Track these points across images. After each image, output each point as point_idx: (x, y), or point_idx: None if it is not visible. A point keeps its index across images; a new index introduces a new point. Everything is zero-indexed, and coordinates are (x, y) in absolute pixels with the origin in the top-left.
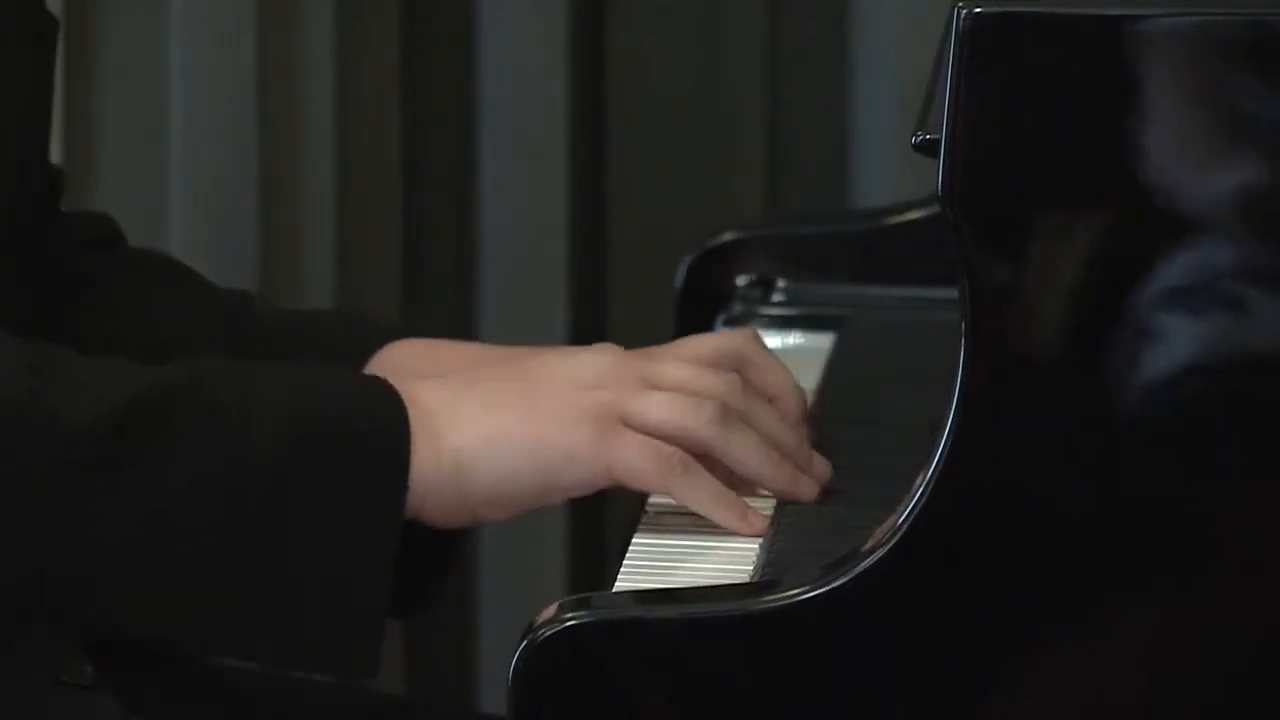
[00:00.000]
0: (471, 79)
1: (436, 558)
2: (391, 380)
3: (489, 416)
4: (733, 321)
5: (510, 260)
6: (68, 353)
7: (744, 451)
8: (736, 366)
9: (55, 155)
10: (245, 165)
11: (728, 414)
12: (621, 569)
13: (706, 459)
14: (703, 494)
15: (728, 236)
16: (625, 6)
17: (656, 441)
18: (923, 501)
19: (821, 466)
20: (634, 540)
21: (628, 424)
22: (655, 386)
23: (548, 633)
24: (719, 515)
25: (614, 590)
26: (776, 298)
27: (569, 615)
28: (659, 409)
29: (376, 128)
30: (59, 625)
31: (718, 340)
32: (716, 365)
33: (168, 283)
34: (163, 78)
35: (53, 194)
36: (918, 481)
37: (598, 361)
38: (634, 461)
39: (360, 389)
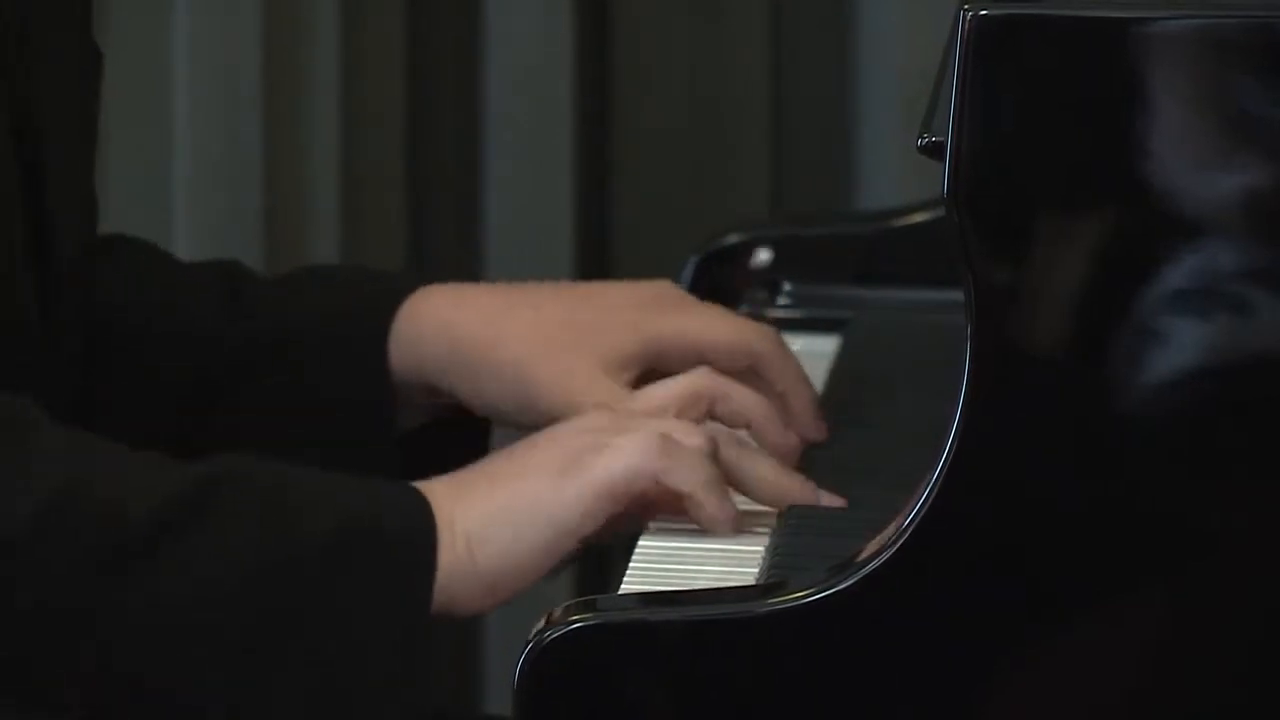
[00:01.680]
0: (476, 80)
1: None
2: (406, 350)
3: (490, 494)
4: None
5: (515, 261)
6: (103, 441)
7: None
8: (748, 362)
9: None
10: (249, 168)
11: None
12: (627, 571)
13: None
14: (689, 474)
15: (733, 238)
16: (630, 7)
17: (636, 437)
18: (929, 503)
19: (834, 501)
20: (640, 542)
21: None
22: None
23: (553, 635)
24: (700, 495)
25: (620, 592)
26: (781, 300)
27: (575, 617)
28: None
29: (381, 129)
30: (87, 709)
31: (732, 332)
32: (729, 355)
33: (148, 262)
34: (167, 81)
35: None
36: (923, 483)
37: (586, 419)
38: (621, 462)
39: (389, 493)
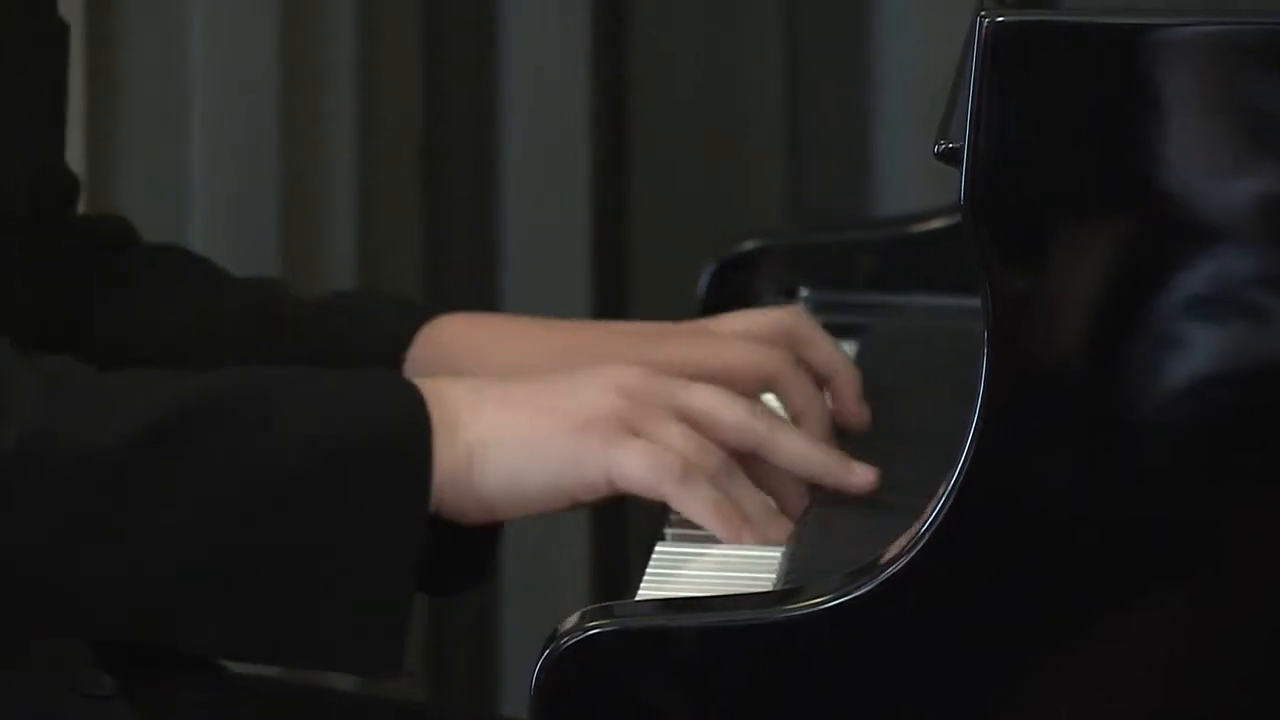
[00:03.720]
0: (493, 84)
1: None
2: (420, 374)
3: (503, 414)
4: None
5: (531, 267)
6: (80, 369)
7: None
8: (788, 343)
9: (78, 159)
10: (266, 168)
11: (729, 467)
12: (644, 577)
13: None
14: (697, 504)
15: (750, 244)
16: (646, 12)
17: (657, 448)
18: (945, 509)
19: (866, 474)
20: (657, 548)
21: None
22: (680, 412)
23: (570, 641)
24: (714, 525)
25: (637, 599)
26: (798, 306)
27: (591, 624)
28: (672, 435)
29: (398, 131)
30: (82, 637)
31: (768, 317)
32: (769, 340)
33: (193, 277)
34: (184, 80)
35: (68, 198)
36: (940, 490)
37: (622, 375)
38: (631, 467)
39: (383, 389)
